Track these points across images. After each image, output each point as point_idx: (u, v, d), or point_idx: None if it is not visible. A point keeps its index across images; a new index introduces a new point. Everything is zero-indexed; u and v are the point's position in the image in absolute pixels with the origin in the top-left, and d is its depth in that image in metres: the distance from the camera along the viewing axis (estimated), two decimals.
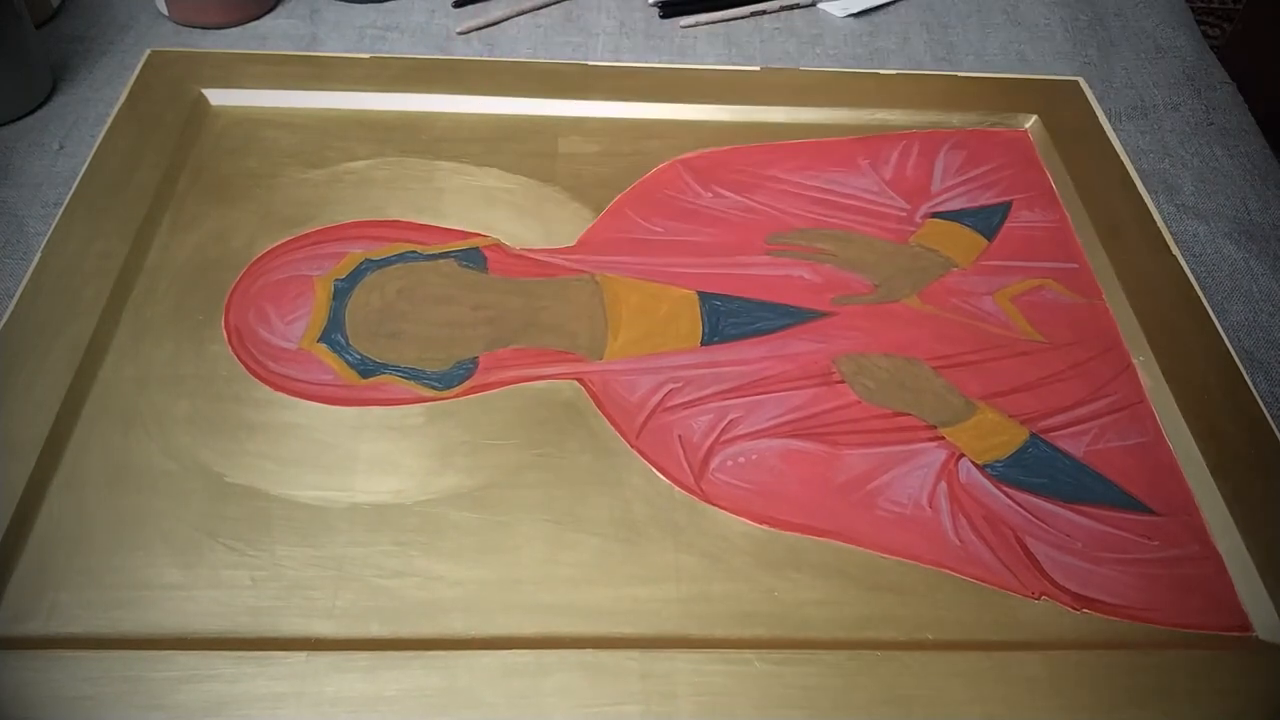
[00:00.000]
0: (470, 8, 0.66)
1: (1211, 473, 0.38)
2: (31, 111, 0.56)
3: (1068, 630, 0.34)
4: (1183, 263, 0.45)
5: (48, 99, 0.57)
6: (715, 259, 0.45)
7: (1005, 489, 0.38)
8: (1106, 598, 0.35)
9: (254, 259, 0.43)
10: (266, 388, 0.39)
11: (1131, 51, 0.65)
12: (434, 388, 0.39)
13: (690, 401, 0.40)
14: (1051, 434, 0.39)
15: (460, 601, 0.34)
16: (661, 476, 0.37)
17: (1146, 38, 0.67)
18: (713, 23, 0.66)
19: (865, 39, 0.65)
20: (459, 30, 0.64)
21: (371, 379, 0.40)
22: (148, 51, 0.52)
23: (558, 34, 0.65)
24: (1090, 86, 0.54)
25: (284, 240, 0.44)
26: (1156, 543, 0.37)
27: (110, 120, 0.48)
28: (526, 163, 0.48)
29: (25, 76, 0.55)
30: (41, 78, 0.56)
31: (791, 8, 0.67)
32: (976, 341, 0.43)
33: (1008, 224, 0.48)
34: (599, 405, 0.39)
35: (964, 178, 0.49)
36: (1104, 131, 0.52)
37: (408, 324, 0.42)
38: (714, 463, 0.38)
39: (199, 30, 0.62)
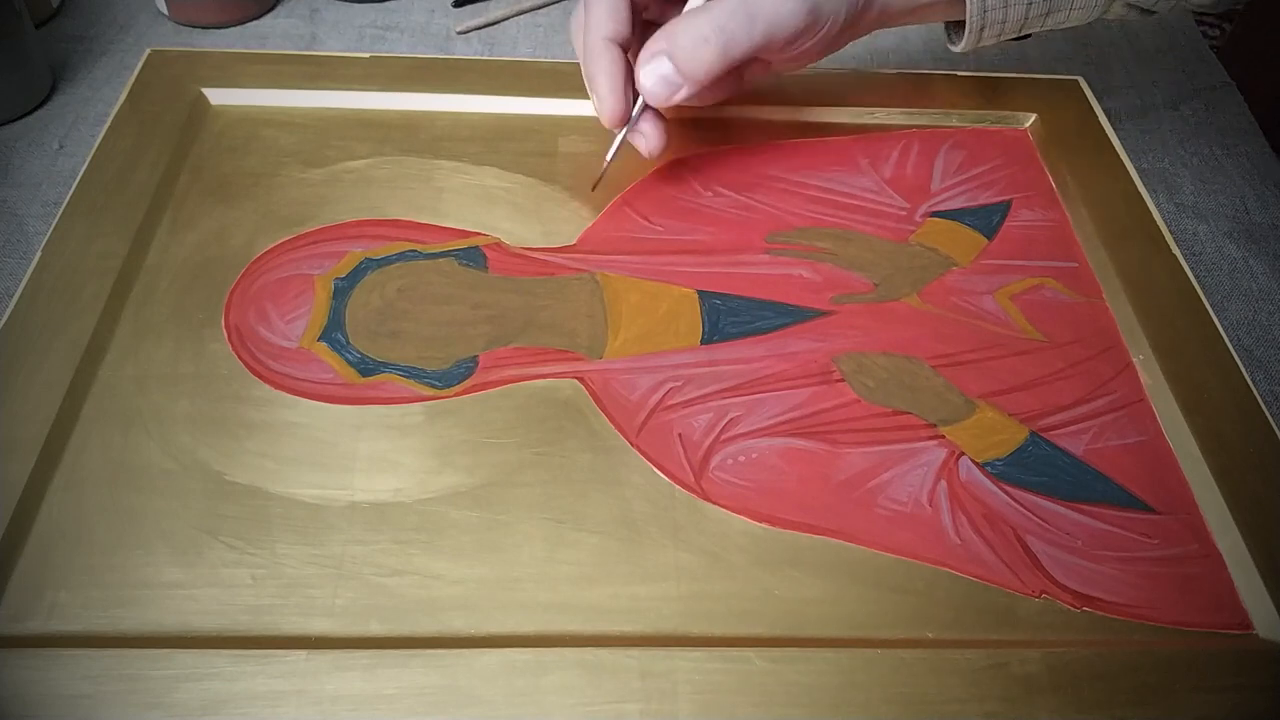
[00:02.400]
0: (470, 7, 0.66)
1: (1211, 471, 0.38)
2: (31, 111, 0.56)
3: (1068, 628, 0.34)
4: (1183, 262, 0.45)
5: (48, 98, 0.57)
6: (715, 258, 0.45)
7: (1005, 487, 0.38)
8: (1107, 596, 0.35)
9: (254, 258, 0.44)
10: (266, 386, 0.39)
11: (1131, 51, 0.65)
12: (434, 386, 0.39)
13: (690, 400, 0.40)
14: (1051, 432, 0.39)
15: (460, 600, 0.34)
16: (661, 475, 0.37)
17: (1146, 38, 0.67)
18: None
19: (865, 39, 0.65)
20: (459, 30, 0.64)
21: (371, 378, 0.40)
22: (148, 51, 0.52)
23: (558, 34, 0.65)
24: (1090, 86, 0.54)
25: (284, 239, 0.44)
26: (1157, 541, 0.37)
27: (110, 120, 0.48)
28: (526, 162, 0.48)
29: (25, 76, 0.55)
30: (41, 77, 0.56)
31: None
32: (976, 340, 0.43)
33: (1007, 223, 0.48)
34: (599, 404, 0.39)
35: (964, 177, 0.50)
36: (1104, 131, 0.52)
37: (408, 323, 0.42)
38: (714, 461, 0.38)
39: (199, 30, 0.63)
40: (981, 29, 0.47)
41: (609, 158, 0.45)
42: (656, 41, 0.42)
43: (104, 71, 0.59)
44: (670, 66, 0.42)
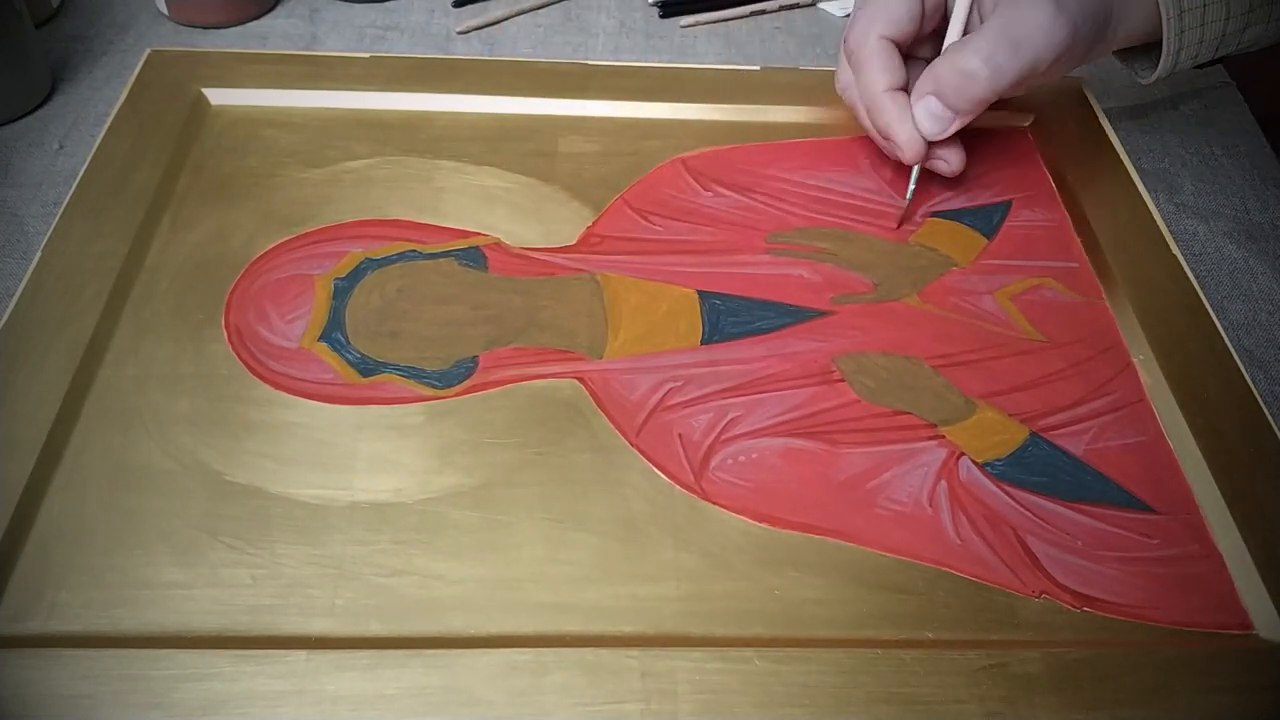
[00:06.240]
0: (470, 7, 0.66)
1: (1211, 471, 0.38)
2: (31, 111, 0.56)
3: (1068, 628, 0.34)
4: (1183, 262, 0.45)
5: (48, 99, 0.57)
6: (715, 258, 0.45)
7: (1005, 487, 0.38)
8: (1107, 596, 0.35)
9: (254, 258, 0.44)
10: (266, 386, 0.39)
11: None
12: (434, 386, 0.39)
13: (690, 400, 0.40)
14: (1051, 433, 0.39)
15: (460, 600, 0.34)
16: (661, 475, 0.37)
17: None
18: (712, 22, 0.66)
19: None
20: (459, 30, 0.64)
21: (371, 378, 0.40)
22: (148, 51, 0.52)
23: (557, 33, 0.65)
24: (1090, 86, 0.54)
25: (284, 239, 0.44)
26: (1157, 541, 0.37)
27: (110, 120, 0.48)
28: (526, 162, 0.48)
29: (25, 76, 0.55)
30: (41, 77, 0.56)
31: (791, 7, 0.67)
32: (976, 340, 0.43)
33: (1007, 223, 0.48)
34: (599, 404, 0.39)
35: (964, 177, 0.49)
36: (1104, 131, 0.52)
37: (408, 323, 0.42)
38: (714, 461, 0.38)
39: (199, 30, 0.63)
40: (1178, 52, 0.47)
41: (909, 194, 0.47)
42: (924, 84, 0.44)
43: (104, 71, 0.59)
44: (939, 105, 0.44)
